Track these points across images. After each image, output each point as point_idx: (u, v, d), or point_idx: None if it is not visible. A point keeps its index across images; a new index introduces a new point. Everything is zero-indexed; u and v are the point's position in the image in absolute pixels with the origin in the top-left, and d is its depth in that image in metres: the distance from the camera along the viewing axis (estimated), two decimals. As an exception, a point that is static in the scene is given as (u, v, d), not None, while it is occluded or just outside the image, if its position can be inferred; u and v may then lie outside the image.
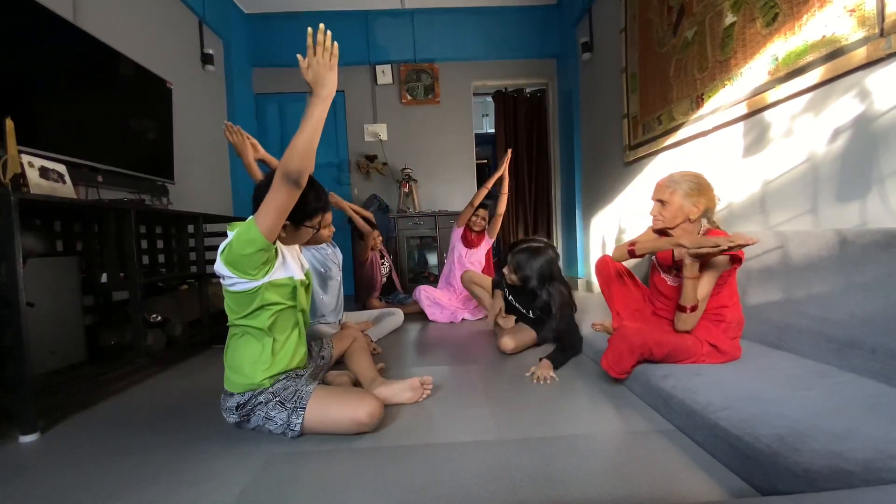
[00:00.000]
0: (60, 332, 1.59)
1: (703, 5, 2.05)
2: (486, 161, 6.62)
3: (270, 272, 1.18)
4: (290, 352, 1.27)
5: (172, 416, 1.46)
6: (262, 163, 1.71)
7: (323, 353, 1.54)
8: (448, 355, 2.08)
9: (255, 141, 1.64)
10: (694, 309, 1.33)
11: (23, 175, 1.49)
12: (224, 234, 1.17)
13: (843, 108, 1.43)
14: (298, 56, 1.09)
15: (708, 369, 1.32)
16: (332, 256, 2.27)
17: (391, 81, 4.28)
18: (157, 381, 1.88)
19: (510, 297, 2.20)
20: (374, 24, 4.23)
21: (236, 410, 1.21)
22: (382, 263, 3.36)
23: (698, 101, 2.14)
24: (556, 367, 1.72)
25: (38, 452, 1.24)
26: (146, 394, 1.72)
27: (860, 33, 1.33)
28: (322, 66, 1.07)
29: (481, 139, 5.80)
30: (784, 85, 1.62)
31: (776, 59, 1.65)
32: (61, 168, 1.71)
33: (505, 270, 2.10)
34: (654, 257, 1.60)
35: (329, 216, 1.91)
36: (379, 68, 4.24)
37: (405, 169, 4.10)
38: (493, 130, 5.27)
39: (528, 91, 4.82)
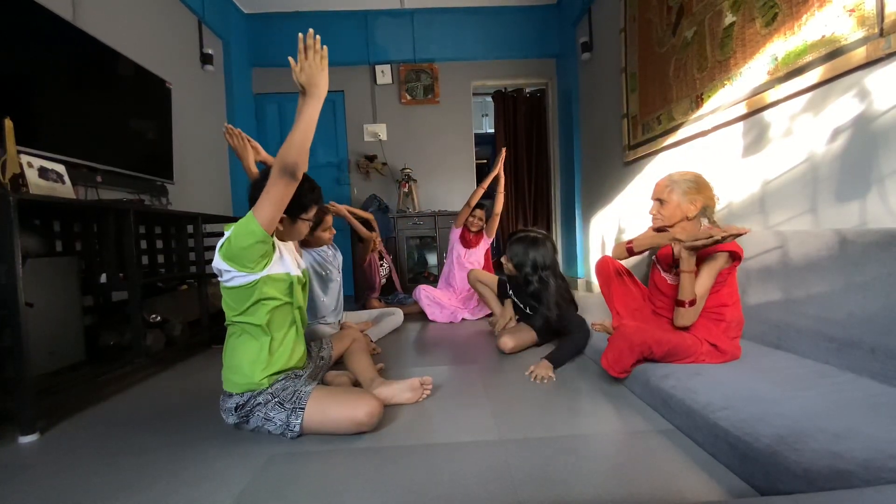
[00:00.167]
0: (60, 332, 1.59)
1: (703, 5, 2.05)
2: (485, 161, 6.62)
3: (268, 266, 1.20)
4: (287, 350, 1.28)
5: (172, 416, 1.46)
6: (262, 165, 1.69)
7: (322, 354, 1.55)
8: (448, 355, 2.08)
9: (255, 143, 1.59)
10: (692, 304, 1.33)
11: (22, 175, 1.49)
12: (223, 234, 1.17)
13: (843, 107, 1.43)
14: (290, 59, 1.13)
15: (708, 369, 1.32)
16: (333, 259, 2.27)
17: (391, 81, 4.28)
18: (156, 381, 1.88)
19: (510, 292, 2.21)
20: (374, 24, 4.22)
21: (235, 411, 1.21)
22: (381, 265, 3.36)
23: (698, 101, 2.14)
24: (556, 367, 1.72)
25: (38, 453, 1.24)
26: (146, 394, 1.72)
27: (860, 33, 1.34)
28: (314, 69, 1.12)
29: (481, 139, 5.80)
30: (783, 85, 1.62)
31: (775, 58, 1.65)
32: (60, 168, 1.72)
33: (503, 259, 2.11)
34: (653, 256, 1.60)
35: (329, 219, 1.91)
36: (378, 68, 4.24)
37: (405, 169, 4.09)
38: (492, 130, 5.27)
39: (527, 91, 4.83)
